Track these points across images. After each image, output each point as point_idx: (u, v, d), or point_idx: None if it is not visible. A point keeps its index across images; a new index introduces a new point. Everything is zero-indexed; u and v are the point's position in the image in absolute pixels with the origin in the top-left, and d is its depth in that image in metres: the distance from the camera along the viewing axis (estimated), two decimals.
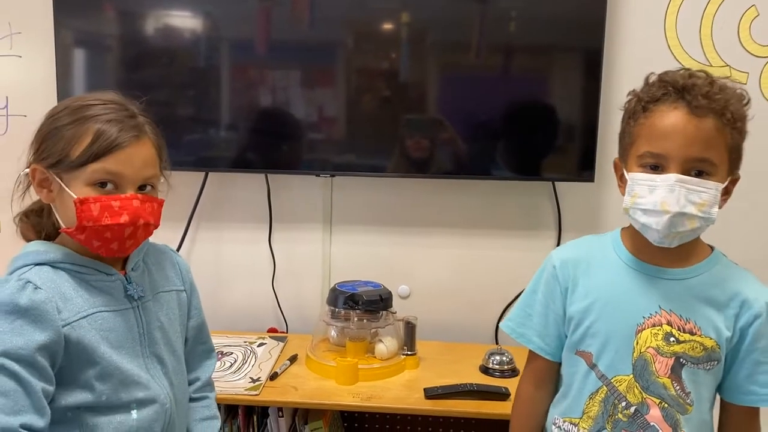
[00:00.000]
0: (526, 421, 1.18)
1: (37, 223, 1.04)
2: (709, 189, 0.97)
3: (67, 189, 0.95)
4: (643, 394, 1.03)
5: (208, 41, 1.79)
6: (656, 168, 1.00)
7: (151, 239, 1.09)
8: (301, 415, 1.66)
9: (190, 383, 1.16)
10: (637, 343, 1.04)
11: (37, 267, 0.96)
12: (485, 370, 1.63)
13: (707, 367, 1.03)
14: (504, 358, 1.63)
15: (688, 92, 0.98)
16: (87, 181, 0.95)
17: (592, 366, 1.07)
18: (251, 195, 1.91)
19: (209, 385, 1.20)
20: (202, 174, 1.88)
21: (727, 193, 1.02)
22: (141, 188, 0.99)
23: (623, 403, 1.04)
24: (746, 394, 1.05)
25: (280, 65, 1.79)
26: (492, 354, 1.65)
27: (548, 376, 1.16)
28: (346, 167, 1.81)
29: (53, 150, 0.96)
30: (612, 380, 1.05)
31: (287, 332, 1.91)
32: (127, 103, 1.02)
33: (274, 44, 1.78)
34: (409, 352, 1.67)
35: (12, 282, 0.93)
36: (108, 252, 0.98)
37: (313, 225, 1.92)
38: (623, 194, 1.06)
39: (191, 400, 1.15)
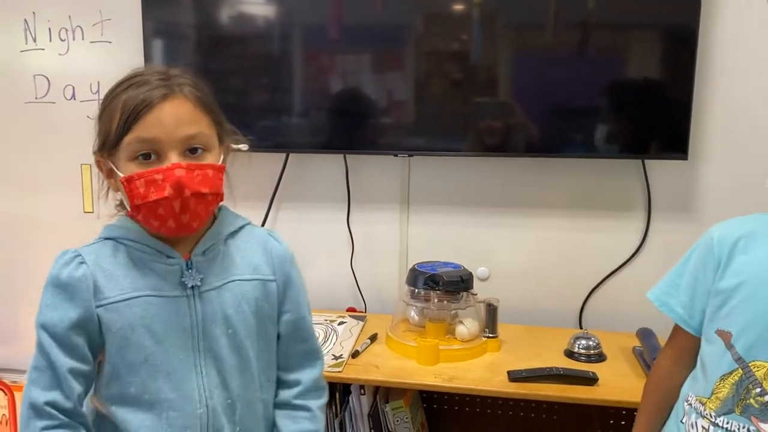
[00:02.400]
0: (659, 398, 1.13)
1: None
2: None
3: (116, 170, 0.91)
4: None
5: (282, 27, 1.80)
6: None
7: (253, 224, 1.05)
8: (383, 393, 1.67)
9: (291, 386, 1.06)
10: None
11: (103, 241, 0.95)
12: (570, 354, 1.58)
13: None
14: (590, 343, 1.58)
15: None
16: (128, 157, 0.90)
17: (729, 346, 1.01)
18: (330, 175, 1.92)
19: (314, 391, 1.07)
20: (283, 155, 1.90)
21: None
22: (192, 152, 0.91)
23: (758, 389, 0.97)
24: None
25: (355, 48, 1.79)
26: (578, 338, 1.60)
27: (689, 352, 1.10)
28: (424, 147, 1.79)
29: (99, 134, 0.93)
30: (749, 364, 0.99)
31: (365, 312, 1.92)
32: (169, 69, 0.94)
33: (348, 28, 1.78)
34: (490, 335, 1.64)
35: (67, 255, 0.93)
36: (168, 231, 0.92)
37: (390, 205, 1.91)
38: None
39: (292, 406, 1.05)
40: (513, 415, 1.82)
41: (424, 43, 1.75)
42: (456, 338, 1.61)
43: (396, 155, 1.83)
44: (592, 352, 1.57)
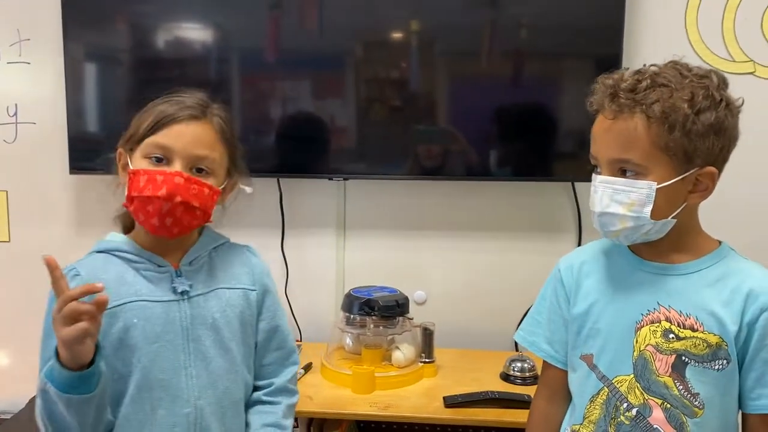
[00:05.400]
0: None
1: (125, 219, 1.10)
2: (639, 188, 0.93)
3: (130, 163, 1.01)
4: (645, 394, 0.98)
5: (219, 51, 1.78)
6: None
7: (231, 241, 1.14)
8: (317, 425, 1.61)
9: (263, 387, 1.13)
10: (637, 341, 0.99)
11: (96, 254, 1.04)
12: (506, 377, 1.58)
13: (716, 367, 0.95)
14: (525, 365, 1.58)
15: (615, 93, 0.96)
16: (143, 154, 1.00)
17: (593, 367, 1.02)
18: (263, 200, 1.87)
19: (284, 391, 1.15)
20: None
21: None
22: (198, 171, 1.00)
23: (625, 405, 0.99)
24: (757, 398, 0.96)
25: (292, 73, 1.78)
26: (513, 361, 1.60)
27: (562, 387, 1.10)
28: (359, 171, 1.78)
29: (130, 130, 1.03)
30: (613, 381, 1.00)
31: (301, 340, 1.87)
32: (210, 100, 1.05)
33: (285, 53, 1.76)
34: (426, 360, 1.62)
35: (64, 271, 0.98)
36: (150, 228, 1.00)
37: (326, 230, 1.88)
38: None
39: (261, 402, 1.12)
40: None
41: (362, 69, 1.76)
42: (393, 364, 1.58)
43: (331, 179, 1.80)
44: (527, 374, 1.57)
